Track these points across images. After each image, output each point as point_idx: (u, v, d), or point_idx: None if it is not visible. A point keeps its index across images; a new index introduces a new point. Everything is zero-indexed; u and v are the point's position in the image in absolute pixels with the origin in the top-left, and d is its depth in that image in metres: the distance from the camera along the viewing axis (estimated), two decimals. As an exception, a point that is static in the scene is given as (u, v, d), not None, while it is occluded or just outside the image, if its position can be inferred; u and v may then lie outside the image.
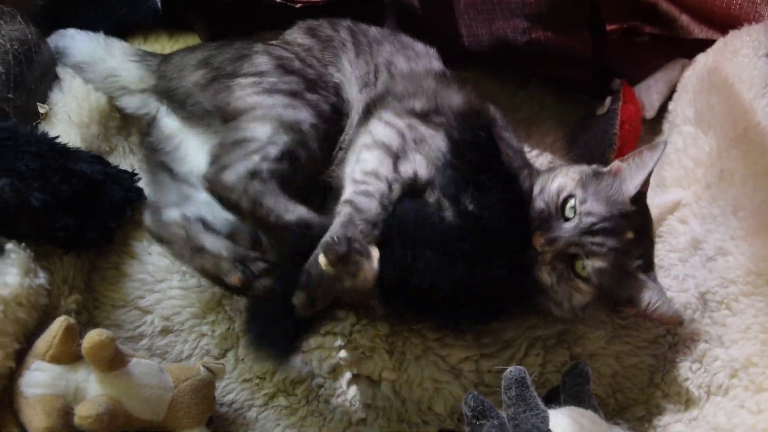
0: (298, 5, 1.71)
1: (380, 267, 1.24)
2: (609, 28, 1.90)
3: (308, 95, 1.46)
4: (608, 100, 1.80)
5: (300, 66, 1.52)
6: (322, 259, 1.18)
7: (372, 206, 1.30)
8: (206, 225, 1.45)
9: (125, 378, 1.17)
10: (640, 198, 1.35)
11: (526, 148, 1.72)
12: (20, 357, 1.15)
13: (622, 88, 1.78)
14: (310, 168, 1.43)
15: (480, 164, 1.34)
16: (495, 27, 1.78)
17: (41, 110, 1.51)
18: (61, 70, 1.62)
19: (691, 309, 1.43)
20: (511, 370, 1.12)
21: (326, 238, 1.24)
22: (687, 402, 1.37)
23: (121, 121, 1.66)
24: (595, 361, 1.45)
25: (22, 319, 1.17)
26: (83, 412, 1.08)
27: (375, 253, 1.24)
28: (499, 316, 1.42)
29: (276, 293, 1.30)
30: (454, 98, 1.52)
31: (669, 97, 1.79)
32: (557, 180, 1.38)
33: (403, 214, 1.32)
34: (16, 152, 1.28)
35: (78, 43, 1.64)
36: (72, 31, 1.66)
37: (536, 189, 1.39)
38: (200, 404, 1.26)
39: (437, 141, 1.41)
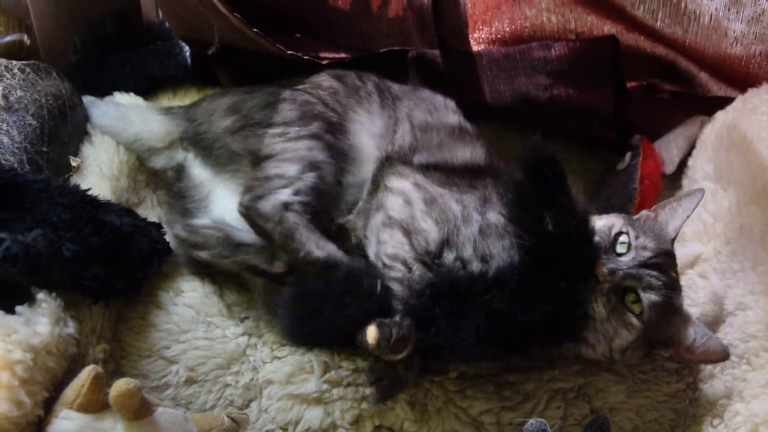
0: (325, 62, 1.75)
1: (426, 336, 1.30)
2: (629, 85, 1.93)
3: (327, 137, 1.54)
4: (628, 155, 1.82)
5: (323, 110, 1.58)
6: (371, 334, 1.24)
7: (399, 290, 1.38)
8: (236, 229, 1.52)
9: (151, 427, 1.17)
10: (673, 242, 1.40)
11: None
12: (49, 405, 1.15)
13: (642, 144, 1.80)
14: (326, 202, 1.51)
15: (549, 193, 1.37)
16: (517, 83, 1.81)
17: (73, 163, 1.55)
18: (91, 126, 1.66)
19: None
20: (533, 422, 1.13)
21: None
22: (708, 458, 1.36)
23: (150, 175, 1.70)
24: (616, 415, 1.44)
25: (52, 368, 1.18)
26: (110, 460, 1.09)
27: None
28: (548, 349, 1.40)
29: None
30: (459, 152, 1.58)
31: (689, 153, 1.81)
32: (602, 219, 1.42)
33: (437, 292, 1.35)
34: (49, 204, 1.31)
35: (95, 119, 1.67)
36: (87, 101, 1.69)
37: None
38: (224, 454, 1.26)
39: (446, 199, 1.47)
